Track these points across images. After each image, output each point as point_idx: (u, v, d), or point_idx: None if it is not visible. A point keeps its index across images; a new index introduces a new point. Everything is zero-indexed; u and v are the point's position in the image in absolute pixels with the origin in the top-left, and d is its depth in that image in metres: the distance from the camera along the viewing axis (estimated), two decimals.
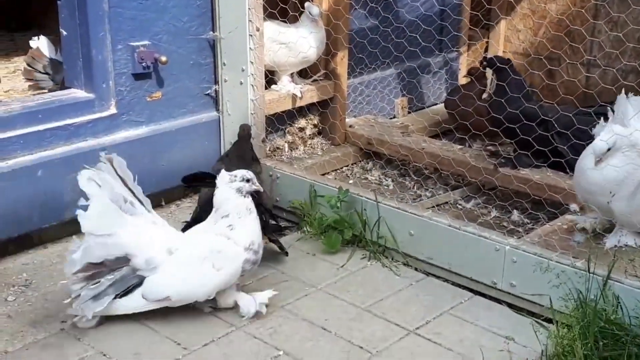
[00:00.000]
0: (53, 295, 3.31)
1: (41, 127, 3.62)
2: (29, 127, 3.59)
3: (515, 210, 4.03)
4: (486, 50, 5.81)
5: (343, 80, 4.63)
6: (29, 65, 4.72)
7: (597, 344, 2.80)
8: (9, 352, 2.93)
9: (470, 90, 4.67)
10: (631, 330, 2.85)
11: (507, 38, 5.69)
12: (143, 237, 3.03)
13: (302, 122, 4.64)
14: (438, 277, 3.52)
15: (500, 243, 3.29)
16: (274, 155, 4.44)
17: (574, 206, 3.71)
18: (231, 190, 3.08)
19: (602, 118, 3.45)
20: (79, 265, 2.97)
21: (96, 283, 2.99)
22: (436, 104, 5.60)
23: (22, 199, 3.56)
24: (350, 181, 4.42)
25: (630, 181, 3.20)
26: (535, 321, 3.14)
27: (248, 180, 3.10)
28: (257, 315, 3.15)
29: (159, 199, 4.04)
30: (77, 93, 3.83)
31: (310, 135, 4.69)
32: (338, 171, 4.57)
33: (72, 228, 3.77)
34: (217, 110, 4.27)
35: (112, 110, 3.86)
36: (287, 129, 4.57)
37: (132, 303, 3.07)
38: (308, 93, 4.51)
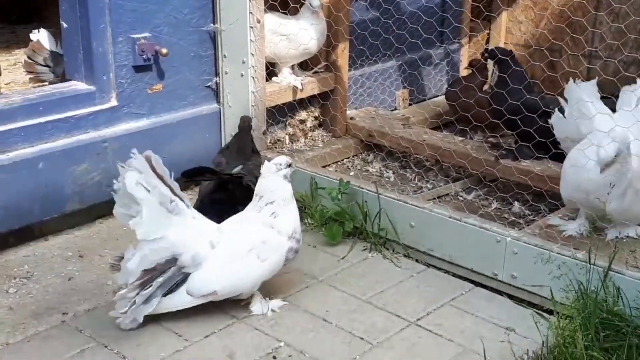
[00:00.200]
0: (54, 287, 3.32)
1: (42, 120, 3.62)
2: (29, 120, 3.59)
3: (516, 202, 4.03)
4: (487, 42, 5.80)
5: (344, 72, 4.63)
6: (29, 57, 4.72)
7: (597, 335, 2.81)
8: (10, 344, 2.94)
9: (471, 82, 4.66)
10: (632, 321, 2.86)
11: (509, 29, 5.67)
12: (188, 234, 2.99)
13: (303, 114, 4.64)
14: (439, 269, 3.52)
15: (501, 234, 3.29)
16: (275, 148, 4.43)
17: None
18: (279, 178, 3.10)
19: (556, 109, 3.47)
20: (136, 274, 2.92)
21: (149, 287, 2.95)
22: (437, 95, 5.59)
23: (23, 191, 3.56)
24: (351, 173, 4.42)
25: (621, 182, 3.19)
26: (536, 312, 3.14)
27: (289, 165, 3.14)
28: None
29: None
30: (78, 85, 3.83)
31: (311, 127, 4.68)
32: (339, 163, 4.57)
33: (72, 220, 3.81)
34: (218, 102, 4.27)
35: (113, 102, 3.86)
36: (287, 121, 4.57)
37: (177, 301, 3.02)
38: (309, 85, 4.50)
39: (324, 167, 4.29)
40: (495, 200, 4.09)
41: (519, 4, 5.58)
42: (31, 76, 4.75)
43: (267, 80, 4.24)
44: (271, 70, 4.40)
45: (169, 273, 2.98)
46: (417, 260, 3.59)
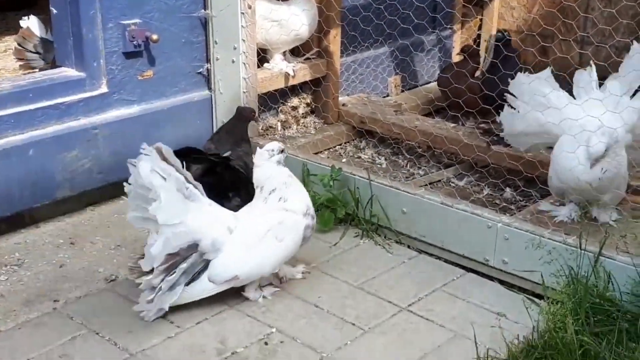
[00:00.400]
0: (45, 274, 3.32)
1: (32, 107, 3.60)
2: (20, 107, 3.57)
3: (507, 188, 4.03)
4: (480, 27, 5.79)
5: (336, 59, 4.61)
6: (19, 44, 4.70)
7: (588, 320, 2.82)
8: (1, 331, 2.94)
9: (463, 67, 4.66)
10: (622, 306, 2.87)
11: (501, 15, 5.67)
12: (205, 220, 3.00)
13: (294, 101, 4.63)
14: (430, 255, 3.53)
15: (492, 220, 3.30)
16: (267, 134, 4.42)
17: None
18: (272, 164, 3.11)
19: (505, 105, 3.52)
20: (160, 258, 2.92)
21: (173, 274, 2.95)
22: (429, 82, 5.59)
23: (13, 178, 3.54)
24: (343, 160, 4.41)
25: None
26: (527, 297, 3.16)
27: (282, 151, 3.15)
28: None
29: None
30: (68, 72, 3.81)
31: (303, 114, 4.67)
32: (331, 150, 4.57)
33: (64, 207, 3.80)
34: (209, 88, 4.26)
35: (104, 89, 3.84)
36: (279, 108, 4.56)
37: (199, 289, 3.03)
38: (301, 71, 4.49)
39: (316, 153, 4.28)
40: (487, 186, 4.09)
41: None
42: (21, 63, 4.73)
43: (258, 66, 4.22)
44: (263, 56, 4.39)
45: (192, 259, 2.99)
46: (408, 247, 3.60)
